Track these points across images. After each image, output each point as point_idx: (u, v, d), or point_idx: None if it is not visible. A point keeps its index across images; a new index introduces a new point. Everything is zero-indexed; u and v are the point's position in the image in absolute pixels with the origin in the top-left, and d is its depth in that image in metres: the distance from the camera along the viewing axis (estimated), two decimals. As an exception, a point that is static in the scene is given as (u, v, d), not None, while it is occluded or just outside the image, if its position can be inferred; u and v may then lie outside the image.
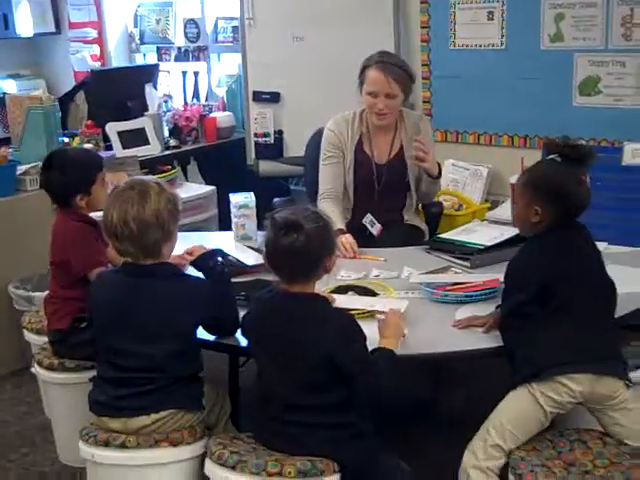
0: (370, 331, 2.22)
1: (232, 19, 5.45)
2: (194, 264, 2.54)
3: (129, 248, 2.29)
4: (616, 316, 2.38)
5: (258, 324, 2.26)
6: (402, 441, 2.44)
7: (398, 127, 3.35)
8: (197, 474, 2.33)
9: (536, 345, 2.23)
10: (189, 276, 2.43)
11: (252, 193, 3.31)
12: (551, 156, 2.36)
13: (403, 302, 2.53)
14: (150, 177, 2.54)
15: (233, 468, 2.10)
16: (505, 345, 2.31)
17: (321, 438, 2.13)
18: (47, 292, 2.96)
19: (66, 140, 4.22)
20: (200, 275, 2.50)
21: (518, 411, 2.23)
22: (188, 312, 2.30)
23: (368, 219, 3.31)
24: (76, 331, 2.74)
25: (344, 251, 3.05)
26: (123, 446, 2.29)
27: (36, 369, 2.93)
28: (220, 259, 2.61)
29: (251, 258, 3.00)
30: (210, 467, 2.17)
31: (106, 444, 2.31)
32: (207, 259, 2.54)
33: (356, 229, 3.26)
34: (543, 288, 2.24)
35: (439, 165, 3.31)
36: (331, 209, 3.18)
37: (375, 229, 3.31)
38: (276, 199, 3.70)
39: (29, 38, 5.95)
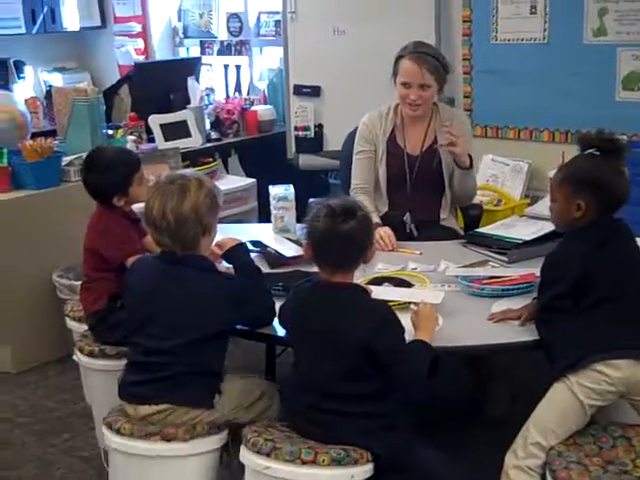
0: (405, 322, 2.24)
1: (274, 13, 5.50)
2: (225, 257, 2.58)
3: (166, 240, 2.33)
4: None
5: (297, 313, 2.29)
6: (441, 437, 2.43)
7: (432, 119, 3.32)
8: (191, 472, 2.34)
9: (572, 337, 2.22)
10: (218, 272, 2.44)
11: (291, 185, 3.33)
12: (588, 151, 2.34)
13: (439, 294, 2.54)
14: (191, 171, 2.56)
15: (268, 455, 2.12)
16: (541, 339, 2.31)
17: (356, 427, 2.15)
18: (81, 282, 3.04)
19: (110, 132, 4.28)
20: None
21: (556, 406, 2.21)
22: (213, 306, 2.31)
23: (408, 221, 3.29)
24: (113, 310, 2.80)
25: (382, 244, 3.06)
26: (118, 432, 2.34)
27: (77, 356, 2.99)
28: (252, 249, 2.64)
29: (290, 250, 3.02)
30: (245, 454, 2.20)
31: (109, 426, 2.38)
32: (237, 252, 2.57)
33: (390, 225, 3.23)
34: (582, 279, 2.23)
35: (471, 158, 3.24)
36: (364, 204, 3.18)
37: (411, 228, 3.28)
38: (311, 200, 3.69)
39: (75, 32, 6.07)
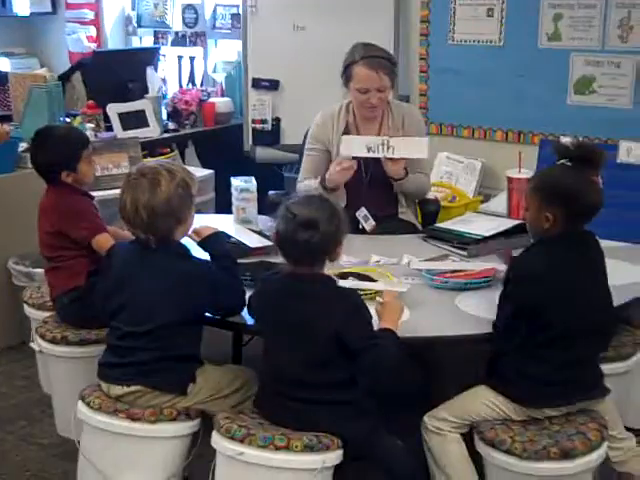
0: (372, 312, 2.30)
1: (231, 6, 5.50)
2: (201, 245, 2.59)
3: (140, 234, 2.36)
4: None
5: (266, 304, 2.32)
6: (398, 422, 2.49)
7: (384, 118, 3.34)
8: (154, 455, 2.36)
9: (517, 366, 2.30)
10: (194, 257, 2.46)
11: (253, 177, 3.36)
12: (561, 161, 2.33)
13: (403, 285, 2.60)
14: (161, 161, 2.56)
15: (241, 441, 2.15)
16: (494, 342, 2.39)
17: (325, 414, 2.19)
18: (45, 266, 3.01)
19: (67, 120, 4.24)
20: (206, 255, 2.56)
21: (478, 407, 2.33)
22: (187, 292, 2.33)
23: (362, 213, 3.30)
24: (92, 288, 2.71)
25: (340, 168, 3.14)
26: (88, 405, 2.39)
27: (38, 342, 2.96)
28: (229, 240, 2.67)
29: (254, 241, 3.05)
30: (218, 440, 2.22)
31: (82, 398, 2.43)
32: (214, 240, 2.58)
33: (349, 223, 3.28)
34: (541, 303, 2.25)
35: (406, 171, 3.26)
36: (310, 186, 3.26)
37: (368, 225, 3.29)
38: (271, 192, 3.71)
39: (25, 17, 5.96)
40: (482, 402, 2.33)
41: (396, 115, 3.34)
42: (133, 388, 2.35)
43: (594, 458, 2.22)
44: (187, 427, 2.38)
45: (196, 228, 2.60)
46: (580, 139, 2.42)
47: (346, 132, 3.34)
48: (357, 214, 3.29)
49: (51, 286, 2.96)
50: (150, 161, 2.57)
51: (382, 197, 3.36)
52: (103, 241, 2.79)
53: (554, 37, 4.12)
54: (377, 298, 2.43)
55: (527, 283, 2.29)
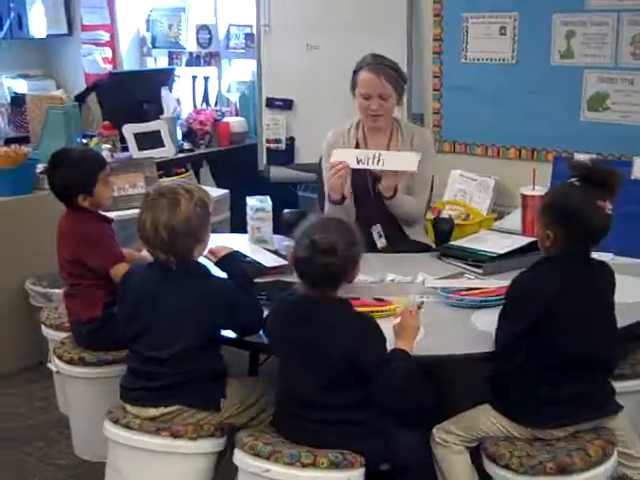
0: (386, 328, 2.31)
1: (245, 26, 5.54)
2: (218, 264, 2.61)
3: (160, 255, 2.36)
4: (622, 325, 2.43)
5: (281, 325, 2.34)
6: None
7: (393, 135, 3.35)
8: (195, 470, 2.39)
9: (517, 386, 2.29)
10: (213, 276, 2.49)
11: (268, 197, 3.37)
12: (571, 180, 2.31)
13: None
14: (178, 181, 2.58)
15: (267, 458, 2.17)
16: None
17: (339, 435, 2.20)
18: (64, 289, 3.02)
19: (84, 141, 4.28)
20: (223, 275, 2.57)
21: (484, 425, 2.34)
22: (209, 312, 2.35)
23: (377, 229, 3.30)
24: (110, 319, 2.72)
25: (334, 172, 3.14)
26: (127, 426, 2.38)
27: (55, 363, 2.98)
28: (244, 259, 2.68)
29: (269, 260, 3.06)
30: (242, 457, 2.23)
31: (116, 422, 2.42)
32: (230, 260, 2.60)
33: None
34: (541, 316, 2.24)
35: (396, 189, 3.22)
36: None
37: (380, 242, 3.29)
38: (286, 210, 3.73)
39: (42, 39, 6.02)
40: (487, 420, 2.34)
41: (405, 134, 3.34)
42: (170, 409, 2.36)
43: (593, 475, 2.19)
44: (221, 442, 2.42)
45: (212, 248, 2.62)
46: (595, 158, 2.38)
47: (356, 149, 3.34)
48: (372, 229, 3.29)
49: (69, 311, 2.98)
50: (166, 181, 2.56)
51: (390, 217, 3.32)
52: (122, 271, 2.75)
53: (567, 54, 4.13)
54: (393, 319, 2.43)
55: (521, 303, 2.29)
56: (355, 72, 3.26)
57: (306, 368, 2.23)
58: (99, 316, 2.84)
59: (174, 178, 4.13)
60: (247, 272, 2.63)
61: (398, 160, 3.12)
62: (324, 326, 2.22)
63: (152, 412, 2.37)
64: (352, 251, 2.24)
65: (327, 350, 2.19)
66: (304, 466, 2.14)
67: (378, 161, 3.11)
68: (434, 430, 2.39)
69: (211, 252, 2.62)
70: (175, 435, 2.34)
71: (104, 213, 2.95)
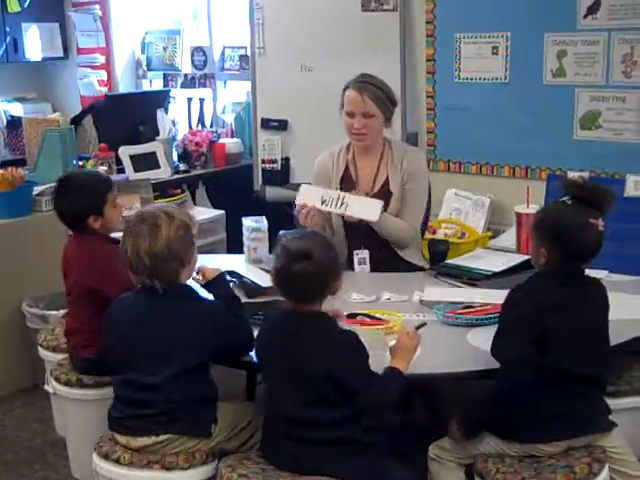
0: (378, 345, 2.34)
1: (239, 48, 5.59)
2: (206, 287, 2.60)
3: (145, 280, 2.35)
4: (617, 342, 2.44)
5: (265, 340, 2.34)
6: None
7: (383, 157, 3.32)
8: None
9: (510, 399, 2.26)
10: (201, 298, 2.47)
11: (264, 217, 3.39)
12: (563, 198, 2.32)
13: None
14: (159, 205, 2.53)
15: None
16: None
17: (327, 454, 2.18)
18: (66, 316, 2.99)
19: (80, 163, 4.30)
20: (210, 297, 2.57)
21: (476, 442, 2.33)
22: (197, 335, 2.34)
23: (359, 255, 3.26)
24: (103, 360, 2.70)
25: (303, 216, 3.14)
26: (117, 461, 2.36)
27: (53, 385, 2.98)
28: (231, 280, 2.68)
29: (265, 280, 3.07)
30: None
31: (106, 456, 2.39)
32: (220, 282, 2.59)
33: (352, 263, 3.27)
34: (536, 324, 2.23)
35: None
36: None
37: (359, 268, 3.25)
38: (282, 231, 3.73)
39: (37, 62, 6.08)
40: (479, 438, 2.34)
41: (396, 155, 3.31)
42: (162, 437, 2.34)
43: None
44: (212, 468, 2.40)
45: (201, 268, 2.60)
46: (586, 177, 2.38)
47: (346, 170, 3.34)
48: (354, 254, 3.26)
49: (67, 339, 2.96)
50: (149, 206, 2.54)
51: (375, 237, 3.26)
52: None
53: (559, 73, 4.17)
54: (389, 340, 2.42)
55: (521, 317, 2.28)
56: (343, 91, 3.26)
57: (290, 383, 2.22)
58: (92, 357, 2.82)
59: (160, 202, 4.11)
60: (234, 293, 2.63)
61: (360, 207, 3.09)
62: (307, 342, 2.22)
63: (143, 441, 2.35)
64: (328, 257, 2.23)
65: (310, 366, 2.19)
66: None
67: (341, 204, 3.09)
68: (430, 447, 2.40)
69: (200, 273, 2.60)
70: (167, 467, 2.33)
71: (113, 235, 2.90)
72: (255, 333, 2.45)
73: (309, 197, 3.16)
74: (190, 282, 2.54)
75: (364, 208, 3.09)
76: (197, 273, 2.60)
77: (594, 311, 2.33)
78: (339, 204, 3.09)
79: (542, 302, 2.25)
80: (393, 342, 2.38)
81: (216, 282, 2.59)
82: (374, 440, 2.27)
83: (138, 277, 2.37)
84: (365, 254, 3.26)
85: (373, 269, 3.27)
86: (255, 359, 2.44)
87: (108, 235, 2.88)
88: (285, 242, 2.26)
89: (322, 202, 3.12)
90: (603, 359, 2.34)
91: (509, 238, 3.80)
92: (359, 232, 3.23)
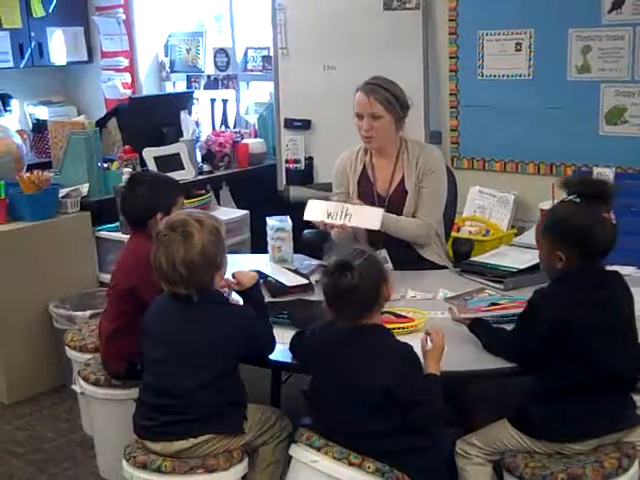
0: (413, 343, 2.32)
1: (262, 49, 5.60)
2: (242, 293, 2.58)
3: (182, 290, 2.33)
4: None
5: (319, 353, 2.31)
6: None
7: (400, 157, 3.33)
8: None
9: (538, 403, 2.29)
10: (233, 305, 2.49)
11: (288, 216, 3.40)
12: (569, 197, 2.30)
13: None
14: (186, 211, 2.51)
15: (318, 450, 2.21)
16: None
17: (387, 459, 2.19)
18: (94, 314, 2.99)
19: (105, 165, 4.33)
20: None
21: (504, 439, 2.34)
22: (230, 341, 2.35)
23: (381, 254, 3.21)
24: (132, 373, 2.73)
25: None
26: (159, 470, 2.35)
27: (81, 385, 3.01)
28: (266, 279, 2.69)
29: (290, 279, 3.08)
30: (296, 448, 2.28)
31: (144, 466, 2.38)
32: (254, 291, 2.58)
33: None
34: (557, 329, 2.22)
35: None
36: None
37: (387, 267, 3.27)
38: (306, 231, 3.75)
39: (62, 66, 6.13)
40: (508, 434, 2.34)
41: (412, 155, 3.32)
42: (201, 438, 2.35)
43: None
44: (246, 465, 2.45)
45: (237, 274, 2.57)
46: (583, 173, 2.35)
47: (364, 172, 3.36)
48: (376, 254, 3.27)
49: (101, 341, 2.94)
50: (178, 212, 2.51)
51: (394, 237, 3.28)
52: None
53: (583, 69, 4.13)
54: (421, 335, 2.42)
55: (533, 316, 2.29)
56: (355, 94, 3.27)
57: (346, 398, 2.21)
58: (121, 371, 2.83)
59: (186, 204, 4.09)
60: (264, 300, 2.63)
61: (363, 217, 3.11)
62: (363, 355, 2.21)
63: (180, 445, 2.34)
64: (369, 263, 2.22)
65: (363, 378, 2.18)
66: (351, 464, 2.17)
67: (345, 215, 3.11)
68: (457, 442, 2.41)
69: (236, 279, 2.57)
70: (211, 470, 2.35)
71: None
72: (278, 332, 2.48)
73: (315, 213, 3.18)
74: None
75: (365, 218, 3.11)
76: (232, 277, 2.58)
77: (620, 307, 2.31)
78: (343, 216, 3.11)
79: (563, 308, 2.23)
80: (429, 344, 2.37)
81: (252, 290, 2.57)
82: (431, 439, 2.27)
83: (174, 288, 2.33)
84: (384, 253, 3.25)
85: (395, 269, 3.24)
86: (285, 358, 2.46)
87: None
88: (327, 261, 2.27)
89: (328, 215, 3.14)
90: (632, 355, 2.31)
91: (534, 235, 3.77)
92: (379, 233, 3.22)
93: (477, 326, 2.52)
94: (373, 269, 2.24)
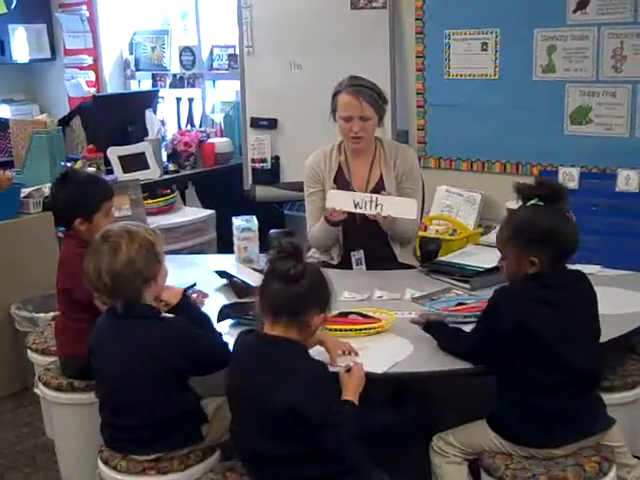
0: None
1: (228, 47, 5.57)
2: (172, 311, 2.48)
3: (107, 300, 2.31)
4: (613, 336, 2.43)
5: (232, 364, 2.23)
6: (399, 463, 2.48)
7: (376, 156, 3.32)
8: None
9: (509, 406, 2.28)
10: (162, 319, 2.37)
11: (254, 216, 3.38)
12: (531, 202, 2.28)
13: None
14: (124, 223, 2.43)
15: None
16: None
17: None
18: (55, 316, 2.97)
19: (69, 164, 4.26)
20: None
21: (476, 437, 2.34)
22: (160, 356, 2.26)
23: (356, 256, 3.27)
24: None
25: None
26: (115, 469, 2.36)
27: (42, 390, 2.95)
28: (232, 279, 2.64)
29: (255, 279, 3.05)
30: None
31: (106, 463, 2.39)
32: (183, 306, 2.48)
33: (347, 262, 3.27)
34: (517, 329, 2.21)
35: None
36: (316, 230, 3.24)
37: (358, 269, 3.25)
38: (272, 230, 3.73)
39: (24, 64, 6.05)
40: (485, 436, 2.32)
41: (388, 154, 3.31)
42: (153, 456, 2.33)
43: None
44: (212, 461, 2.41)
45: (162, 295, 2.47)
46: (542, 178, 2.34)
47: (339, 171, 3.33)
48: (352, 254, 3.26)
49: (57, 342, 2.93)
50: (116, 224, 2.45)
51: (377, 239, 3.28)
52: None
53: (549, 69, 4.16)
54: (341, 371, 2.28)
55: (494, 314, 2.27)
56: (334, 95, 3.23)
57: (251, 415, 2.13)
58: (83, 354, 2.76)
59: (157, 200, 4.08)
60: (202, 310, 2.55)
61: (396, 206, 3.09)
62: (270, 370, 2.11)
63: (140, 458, 2.34)
64: (317, 277, 2.15)
65: (271, 398, 2.06)
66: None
67: (376, 205, 3.08)
68: (434, 438, 2.39)
69: (162, 301, 2.47)
70: (162, 472, 2.32)
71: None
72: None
73: (340, 202, 3.14)
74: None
75: (400, 208, 3.09)
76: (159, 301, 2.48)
77: (583, 306, 2.31)
78: (373, 206, 3.08)
79: (525, 309, 2.22)
80: (350, 364, 2.29)
81: (180, 306, 2.48)
82: (342, 466, 2.13)
83: (100, 297, 2.33)
84: (361, 254, 3.26)
85: (368, 268, 3.27)
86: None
87: (86, 241, 2.71)
88: (275, 245, 2.19)
89: (355, 205, 3.10)
90: (595, 355, 2.31)
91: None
92: (356, 231, 3.21)
93: (432, 327, 2.50)
94: (316, 283, 2.15)
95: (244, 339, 2.23)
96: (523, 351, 2.22)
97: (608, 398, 2.43)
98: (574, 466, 2.20)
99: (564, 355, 2.21)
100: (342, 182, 3.32)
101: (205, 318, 2.50)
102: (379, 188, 3.27)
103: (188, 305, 2.52)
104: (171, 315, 2.45)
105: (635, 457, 2.45)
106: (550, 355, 2.21)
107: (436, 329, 2.49)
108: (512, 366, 2.26)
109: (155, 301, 2.40)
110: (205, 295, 2.96)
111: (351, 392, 2.21)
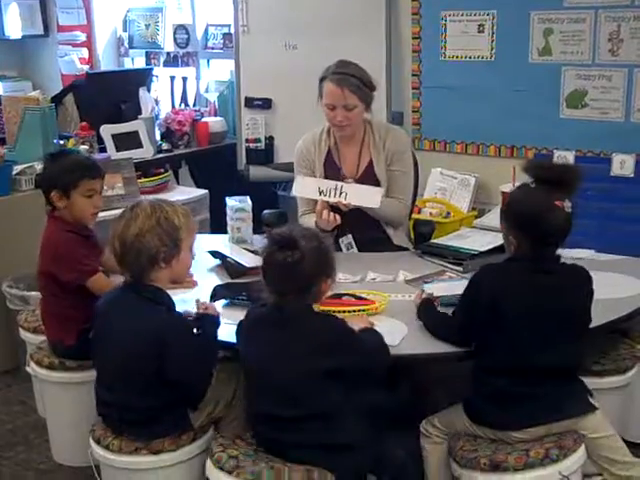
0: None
1: (223, 26, 5.52)
2: (200, 316, 2.48)
3: (116, 265, 2.33)
4: (606, 321, 2.44)
5: (245, 334, 2.27)
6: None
7: (366, 140, 3.28)
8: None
9: (475, 386, 2.31)
10: (170, 308, 2.34)
11: (248, 197, 3.37)
12: (527, 181, 2.27)
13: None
14: (162, 199, 2.42)
15: (230, 473, 2.14)
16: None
17: (316, 448, 2.13)
18: (40, 299, 2.96)
19: (61, 142, 4.23)
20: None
21: (458, 423, 2.37)
22: (149, 344, 2.23)
23: (346, 241, 3.25)
24: (85, 343, 2.55)
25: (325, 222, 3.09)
26: (107, 448, 2.36)
27: (33, 368, 2.95)
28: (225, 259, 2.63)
29: (249, 260, 3.05)
30: (210, 468, 2.22)
31: (97, 442, 2.40)
32: (209, 321, 2.46)
33: (340, 247, 3.24)
34: (491, 309, 2.20)
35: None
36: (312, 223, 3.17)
37: (350, 254, 3.24)
38: (265, 211, 3.70)
39: (17, 40, 5.99)
40: (460, 419, 2.35)
41: (378, 137, 3.28)
42: (148, 442, 2.33)
43: (528, 477, 2.16)
44: (204, 441, 2.40)
45: (208, 305, 2.53)
46: (546, 159, 2.32)
47: (328, 155, 3.30)
48: (341, 240, 3.24)
49: (45, 324, 2.93)
50: (157, 199, 2.40)
51: (369, 222, 3.26)
52: (99, 283, 2.71)
53: (545, 52, 4.13)
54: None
55: (470, 297, 2.29)
56: (321, 81, 3.19)
57: (273, 381, 2.16)
58: (73, 344, 2.78)
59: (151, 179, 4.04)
60: (216, 335, 2.45)
61: (360, 195, 3.06)
62: (287, 332, 2.14)
63: (133, 443, 2.34)
64: (316, 251, 2.15)
65: (295, 364, 2.11)
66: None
67: (340, 194, 3.06)
68: (423, 422, 2.43)
69: (203, 304, 2.51)
70: (155, 452, 2.32)
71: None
72: (236, 314, 2.41)
73: (305, 189, 3.14)
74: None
75: (364, 196, 3.07)
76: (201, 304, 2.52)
77: (563, 296, 2.25)
78: (337, 194, 3.06)
79: (498, 287, 2.22)
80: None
81: (207, 320, 2.46)
82: (365, 432, 2.21)
83: (114, 259, 2.32)
84: (349, 239, 3.25)
85: (361, 250, 3.26)
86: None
87: (78, 226, 2.80)
88: (270, 230, 2.23)
89: (319, 193, 3.08)
90: (571, 348, 2.26)
91: (494, 217, 3.73)
92: (348, 216, 3.16)
93: (421, 311, 2.50)
94: (318, 257, 2.16)
95: (255, 311, 2.27)
96: (492, 330, 2.22)
97: (600, 382, 2.44)
98: (520, 451, 2.18)
99: (531, 340, 2.19)
100: (332, 166, 3.30)
101: (214, 338, 2.43)
102: (369, 172, 3.26)
103: (213, 324, 2.46)
104: (184, 312, 2.44)
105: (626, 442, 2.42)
106: (517, 338, 2.20)
107: (424, 313, 2.50)
108: (483, 347, 2.28)
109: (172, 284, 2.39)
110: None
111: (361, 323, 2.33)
